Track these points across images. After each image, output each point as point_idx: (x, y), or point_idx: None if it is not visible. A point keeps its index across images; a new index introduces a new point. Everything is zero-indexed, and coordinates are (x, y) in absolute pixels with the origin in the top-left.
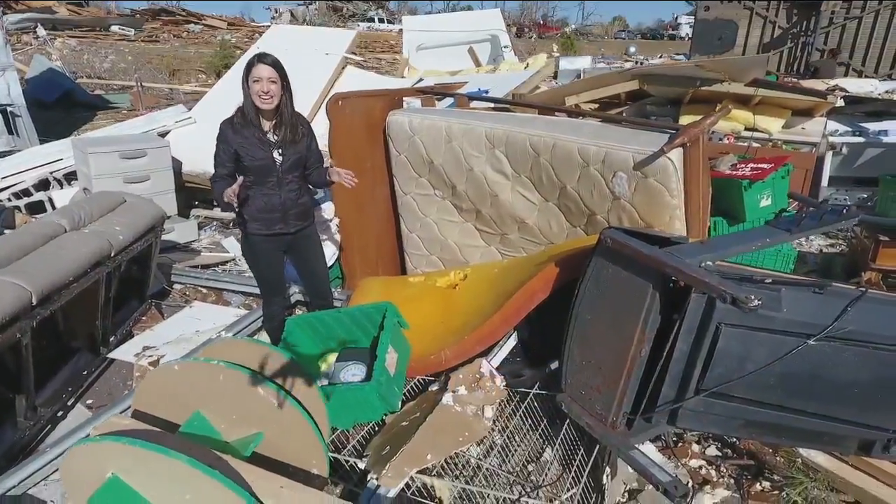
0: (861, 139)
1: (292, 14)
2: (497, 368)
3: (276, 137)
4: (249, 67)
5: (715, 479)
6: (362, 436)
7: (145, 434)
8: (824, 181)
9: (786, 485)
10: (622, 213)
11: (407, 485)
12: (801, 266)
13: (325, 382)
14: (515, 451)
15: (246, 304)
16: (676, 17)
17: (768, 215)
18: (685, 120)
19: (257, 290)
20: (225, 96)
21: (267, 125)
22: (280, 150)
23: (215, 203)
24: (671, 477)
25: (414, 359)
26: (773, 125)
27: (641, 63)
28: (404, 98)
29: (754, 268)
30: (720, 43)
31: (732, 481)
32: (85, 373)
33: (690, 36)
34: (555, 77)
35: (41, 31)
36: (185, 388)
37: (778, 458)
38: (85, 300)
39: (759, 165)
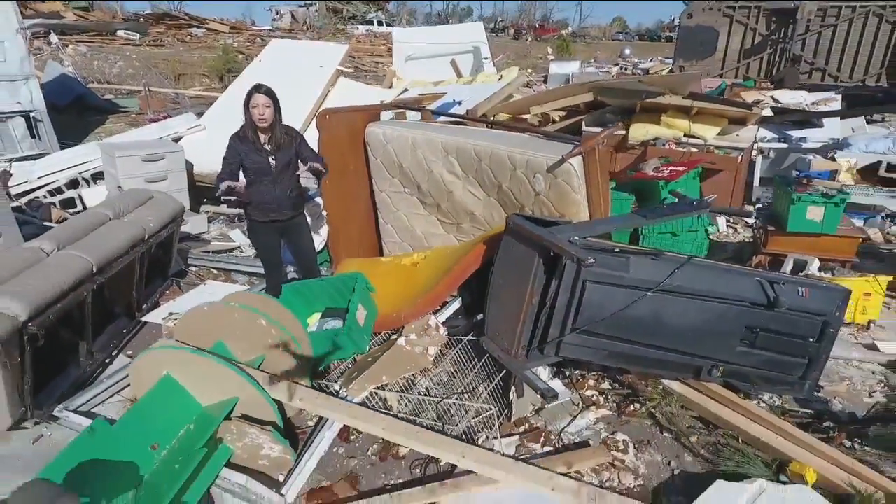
0: (785, 145)
1: (293, 16)
2: (442, 323)
3: (269, 147)
4: (249, 96)
5: (601, 403)
6: (338, 370)
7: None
8: (756, 181)
9: (651, 404)
10: (542, 207)
11: (368, 398)
12: (720, 252)
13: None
14: (452, 379)
15: (250, 282)
16: (673, 19)
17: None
18: (636, 126)
19: (259, 271)
20: (229, 106)
21: (263, 138)
22: (273, 157)
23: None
24: (547, 386)
25: (380, 318)
26: (708, 132)
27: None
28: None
29: (670, 252)
30: (702, 49)
31: (614, 405)
32: (125, 331)
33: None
34: (545, 81)
35: (54, 39)
36: (211, 324)
37: (648, 388)
38: (125, 274)
39: (676, 168)
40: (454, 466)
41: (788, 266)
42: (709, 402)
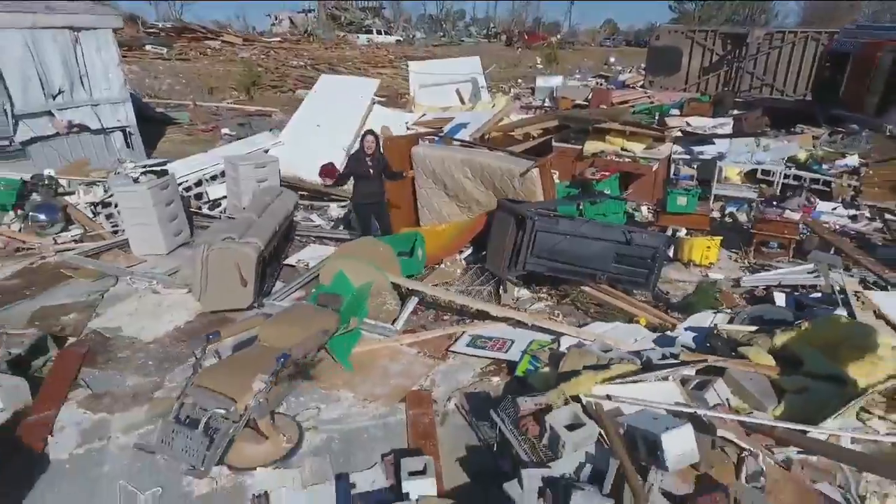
0: (688, 156)
1: (291, 21)
2: (464, 259)
3: (371, 163)
4: (364, 135)
5: (547, 299)
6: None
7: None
8: (676, 178)
9: (573, 297)
10: (517, 195)
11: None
12: (636, 224)
13: None
14: (468, 288)
15: (335, 246)
16: (659, 25)
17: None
18: (588, 143)
19: (335, 236)
20: (299, 126)
21: (368, 158)
22: (372, 168)
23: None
24: (516, 280)
25: (428, 256)
26: (637, 147)
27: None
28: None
29: (581, 218)
30: (669, 66)
31: (554, 300)
32: (279, 270)
33: None
34: (532, 93)
35: None
36: (356, 249)
37: (571, 290)
38: (280, 235)
39: (604, 172)
40: (474, 317)
41: (669, 232)
42: (602, 295)
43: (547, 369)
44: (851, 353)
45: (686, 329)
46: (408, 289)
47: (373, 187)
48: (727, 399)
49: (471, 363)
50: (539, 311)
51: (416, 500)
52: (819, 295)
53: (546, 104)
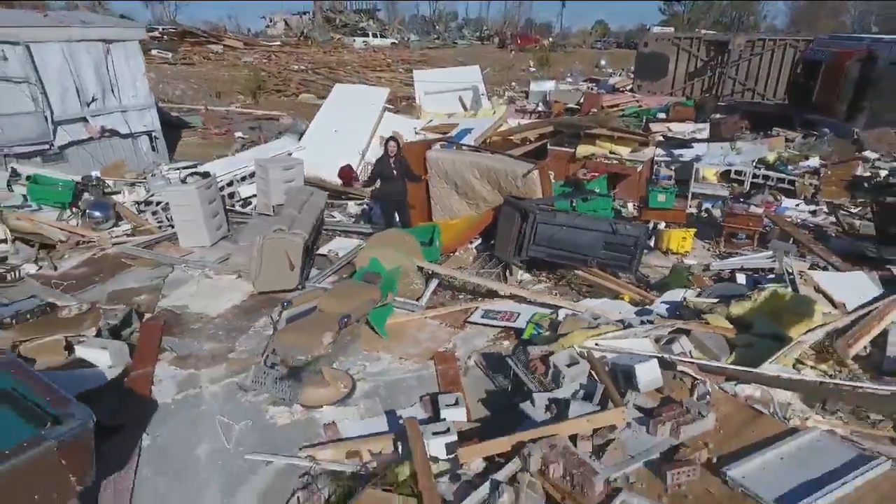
0: (669, 158)
1: (286, 23)
2: (475, 248)
3: (394, 164)
4: (387, 142)
5: (546, 280)
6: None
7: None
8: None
9: (568, 279)
10: (520, 193)
11: (444, 277)
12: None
13: None
14: (479, 271)
15: (358, 238)
16: (649, 28)
17: (587, 194)
18: (582, 146)
19: (362, 230)
20: (317, 132)
21: (392, 160)
22: (395, 170)
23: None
24: (520, 264)
25: (444, 245)
26: (623, 151)
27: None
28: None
29: (575, 212)
30: (656, 72)
31: (552, 282)
32: (313, 258)
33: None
34: (527, 97)
35: None
36: (386, 238)
37: (569, 273)
38: (315, 228)
39: (594, 173)
40: (485, 296)
41: (650, 225)
42: (593, 277)
43: (548, 333)
44: (791, 317)
45: (661, 303)
46: (430, 271)
47: (396, 186)
48: (689, 351)
49: (485, 331)
50: (539, 290)
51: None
52: (773, 276)
53: (540, 107)
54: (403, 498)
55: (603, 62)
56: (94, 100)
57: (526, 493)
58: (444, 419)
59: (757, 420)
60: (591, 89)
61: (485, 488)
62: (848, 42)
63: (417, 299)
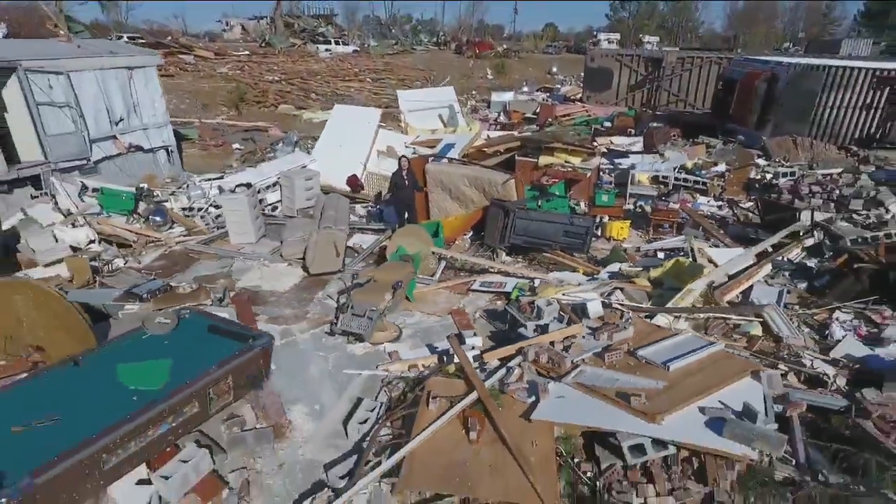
0: (611, 166)
1: (243, 28)
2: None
3: (406, 176)
4: (400, 159)
5: (524, 263)
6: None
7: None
8: (602, 183)
9: (538, 259)
10: (501, 196)
11: (447, 258)
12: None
13: None
14: (474, 254)
15: (372, 234)
16: (596, 34)
17: (550, 196)
18: (543, 157)
19: (375, 227)
20: (325, 147)
21: (404, 173)
22: (406, 180)
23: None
24: (504, 248)
25: (446, 236)
26: (575, 160)
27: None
28: (424, 149)
29: (546, 210)
30: (602, 84)
31: (527, 262)
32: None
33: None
34: (488, 106)
35: None
36: (408, 232)
37: (538, 255)
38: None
39: (553, 179)
40: (479, 272)
41: (597, 219)
42: (556, 257)
43: (528, 294)
44: (687, 277)
45: (605, 272)
46: (440, 255)
47: (407, 192)
48: (622, 300)
49: (483, 296)
50: (518, 267)
51: (473, 347)
52: (683, 252)
53: (500, 117)
54: (455, 377)
55: (554, 69)
56: (121, 120)
57: (526, 369)
58: (469, 344)
59: (656, 332)
60: (546, 100)
61: (502, 370)
62: (756, 64)
63: (432, 275)
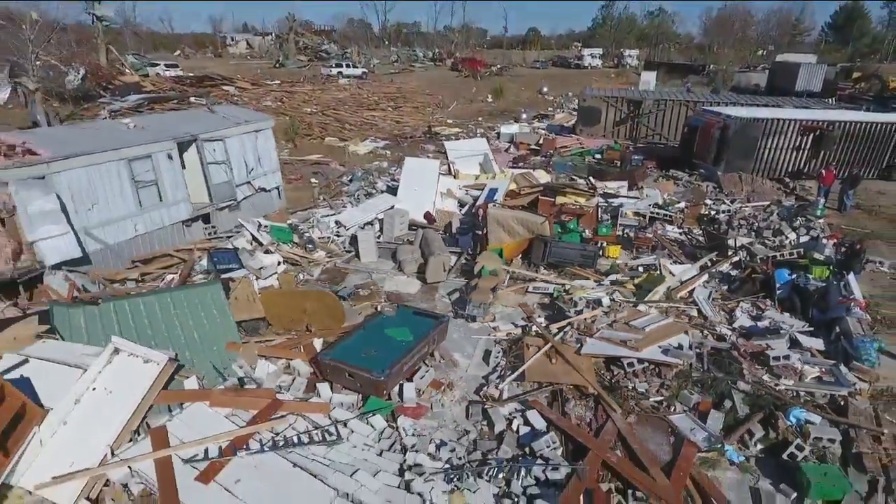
0: (606, 204)
1: (248, 43)
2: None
3: (478, 218)
4: (475, 205)
5: (555, 274)
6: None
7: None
8: (602, 220)
9: (565, 271)
10: (540, 232)
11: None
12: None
13: None
14: (525, 270)
15: (454, 256)
16: (580, 49)
17: (570, 230)
18: (559, 198)
19: (452, 250)
20: (404, 190)
21: (480, 217)
22: (480, 218)
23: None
24: (544, 262)
25: (506, 257)
26: (582, 200)
27: (554, 107)
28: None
29: (567, 241)
30: (592, 120)
31: (557, 274)
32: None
33: (577, 110)
34: (498, 137)
35: None
36: (481, 261)
37: (566, 269)
38: None
39: (569, 216)
40: (529, 281)
41: (600, 244)
42: (575, 271)
43: (563, 293)
44: (655, 283)
45: (607, 280)
46: (506, 270)
47: (477, 227)
48: (618, 297)
49: (535, 296)
50: (554, 277)
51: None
52: (654, 267)
53: (511, 148)
54: (537, 337)
55: (545, 89)
56: (251, 169)
57: (573, 331)
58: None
59: (638, 313)
60: (548, 135)
61: (560, 333)
62: (711, 115)
63: (503, 283)
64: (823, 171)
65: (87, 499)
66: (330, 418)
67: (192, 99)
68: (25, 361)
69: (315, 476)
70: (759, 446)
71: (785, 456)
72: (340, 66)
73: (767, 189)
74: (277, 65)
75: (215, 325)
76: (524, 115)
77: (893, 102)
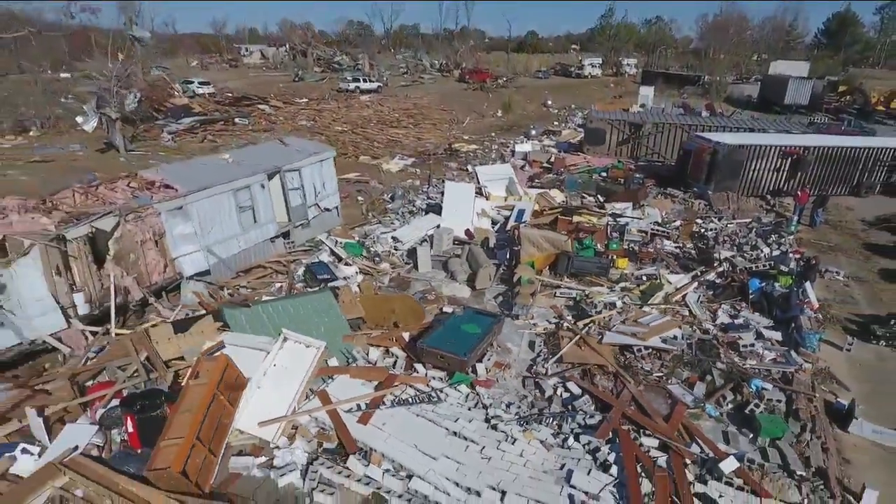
0: (615, 223)
1: (262, 54)
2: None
3: (515, 236)
4: (514, 228)
5: (576, 282)
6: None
7: None
8: (612, 237)
9: (584, 278)
10: (565, 249)
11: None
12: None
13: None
14: (553, 278)
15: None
16: (581, 59)
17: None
18: (576, 217)
19: (494, 262)
20: (448, 211)
21: (509, 235)
22: (514, 237)
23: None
24: (570, 270)
25: (537, 268)
26: (594, 219)
27: (559, 122)
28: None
29: (584, 256)
30: (598, 140)
31: (579, 281)
32: None
33: (583, 132)
34: (513, 154)
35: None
36: (519, 272)
37: (585, 278)
38: None
39: (585, 233)
40: (557, 286)
41: (611, 257)
42: (592, 279)
43: (586, 296)
44: (656, 290)
45: (618, 287)
46: (538, 278)
47: (512, 244)
48: (627, 300)
49: (560, 299)
50: (575, 285)
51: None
52: (655, 275)
53: (525, 166)
54: (569, 331)
55: (549, 101)
56: (318, 193)
57: (595, 326)
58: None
59: (643, 313)
60: (558, 153)
61: (585, 328)
62: (703, 141)
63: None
64: (799, 192)
65: (285, 436)
66: (429, 387)
67: (236, 120)
68: (223, 346)
69: (431, 421)
70: (730, 406)
71: (746, 411)
72: (357, 80)
73: (750, 206)
74: (296, 79)
75: (332, 321)
76: (533, 132)
77: (876, 116)
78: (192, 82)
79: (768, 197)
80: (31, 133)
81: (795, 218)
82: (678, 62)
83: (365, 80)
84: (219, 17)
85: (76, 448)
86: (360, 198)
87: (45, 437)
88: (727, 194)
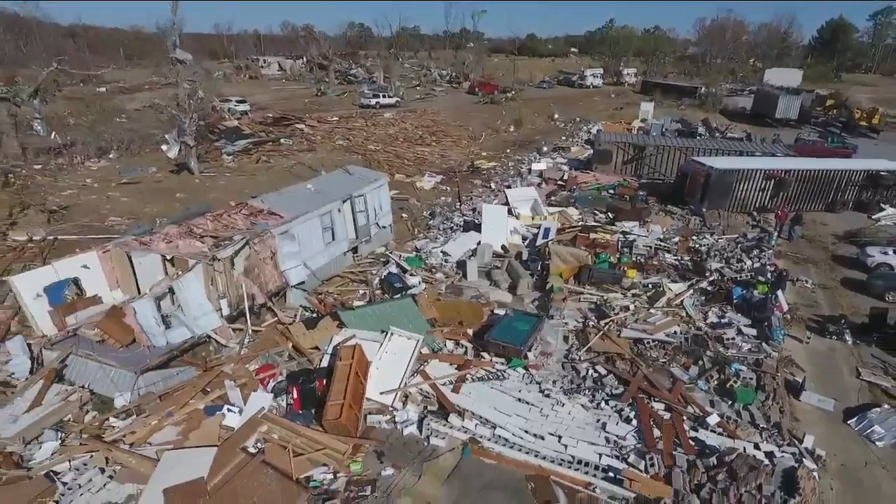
0: (625, 239)
1: (280, 66)
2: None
3: (546, 252)
4: (544, 246)
5: (595, 289)
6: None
7: None
8: (623, 252)
9: (603, 286)
10: (586, 262)
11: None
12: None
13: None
14: (577, 286)
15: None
16: (583, 70)
17: (603, 259)
18: (593, 234)
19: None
20: (487, 229)
21: (539, 250)
22: (546, 251)
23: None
24: (592, 281)
25: (564, 278)
26: (608, 236)
27: (567, 138)
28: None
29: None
30: (605, 160)
31: (599, 288)
32: None
33: (593, 152)
34: (529, 172)
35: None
36: (551, 281)
37: (604, 286)
38: None
39: (601, 248)
40: (580, 293)
41: (623, 269)
42: (608, 286)
43: (605, 300)
44: (659, 295)
45: (629, 293)
46: (566, 287)
47: (543, 259)
48: (638, 304)
49: (584, 304)
50: (596, 291)
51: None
52: (658, 284)
53: (542, 184)
54: (595, 328)
55: (556, 115)
56: (377, 213)
57: (614, 323)
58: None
59: (650, 314)
60: (570, 171)
61: (607, 325)
62: (697, 165)
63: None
64: (779, 211)
65: (399, 402)
66: (494, 368)
67: (281, 140)
68: (353, 337)
69: (501, 391)
70: (715, 382)
71: (727, 386)
72: (377, 95)
73: (738, 223)
74: (319, 93)
75: (415, 320)
76: (545, 149)
77: (860, 130)
78: (229, 101)
79: (754, 213)
80: (111, 156)
81: (776, 234)
82: (676, 68)
83: (384, 96)
84: (220, 18)
85: (262, 409)
86: (403, 214)
87: (240, 401)
88: (719, 212)
